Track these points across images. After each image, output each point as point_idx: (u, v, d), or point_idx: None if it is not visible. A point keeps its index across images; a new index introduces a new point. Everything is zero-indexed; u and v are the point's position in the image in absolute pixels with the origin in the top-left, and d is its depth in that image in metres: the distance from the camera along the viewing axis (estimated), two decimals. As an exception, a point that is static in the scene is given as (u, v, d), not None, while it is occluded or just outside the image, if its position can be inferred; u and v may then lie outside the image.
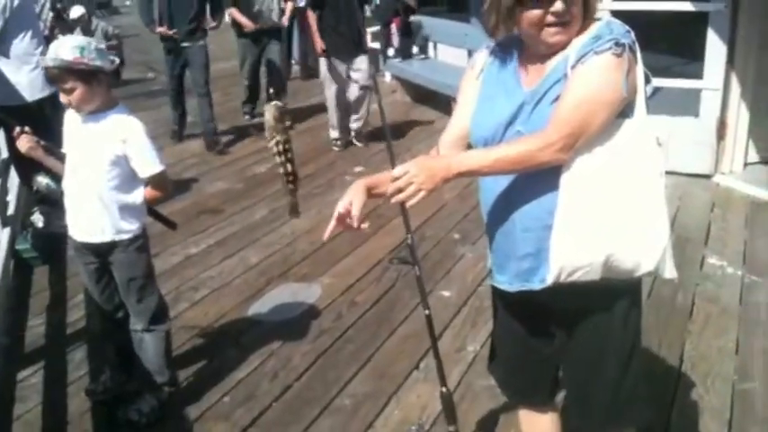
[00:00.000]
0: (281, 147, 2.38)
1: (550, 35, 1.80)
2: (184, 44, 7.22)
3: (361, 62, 7.01)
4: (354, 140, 7.39)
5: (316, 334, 3.77)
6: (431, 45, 9.97)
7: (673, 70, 6.38)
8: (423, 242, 4.77)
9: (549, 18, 1.77)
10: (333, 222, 1.92)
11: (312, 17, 7.14)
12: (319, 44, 7.08)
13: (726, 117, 5.72)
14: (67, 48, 2.71)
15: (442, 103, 8.04)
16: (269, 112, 2.31)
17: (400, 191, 1.75)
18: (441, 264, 4.50)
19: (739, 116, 5.73)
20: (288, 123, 2.41)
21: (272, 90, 2.64)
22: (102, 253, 2.95)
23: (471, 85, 2.04)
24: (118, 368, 3.26)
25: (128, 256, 2.95)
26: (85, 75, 2.71)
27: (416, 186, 1.74)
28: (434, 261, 4.54)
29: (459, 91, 2.10)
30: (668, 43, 6.78)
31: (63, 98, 2.78)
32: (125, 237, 2.92)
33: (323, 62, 7.17)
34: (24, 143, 2.97)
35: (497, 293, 2.14)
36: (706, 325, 3.70)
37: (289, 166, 2.41)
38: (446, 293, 4.12)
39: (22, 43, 4.74)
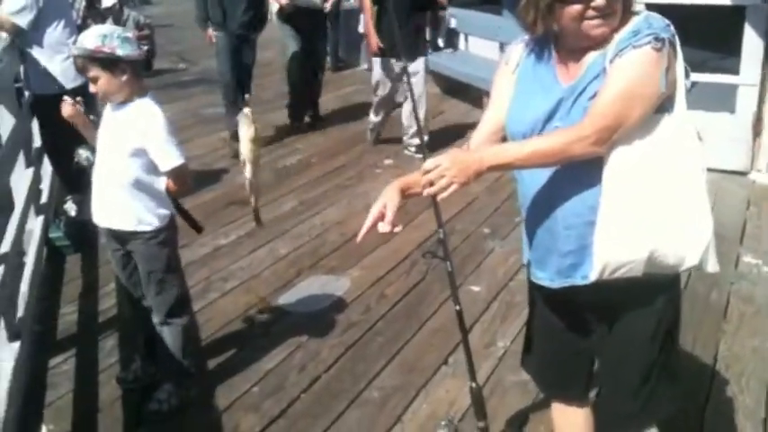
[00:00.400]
0: (245, 156, 2.58)
1: (593, 28, 1.77)
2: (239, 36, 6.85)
3: (419, 65, 6.38)
4: (414, 154, 6.46)
5: (344, 326, 3.77)
6: (462, 37, 9.92)
7: (709, 65, 6.27)
8: (452, 236, 4.74)
9: (590, 12, 1.75)
10: (367, 224, 1.91)
11: (369, 10, 6.51)
12: (375, 41, 6.43)
13: (762, 113, 5.62)
14: (91, 37, 2.74)
15: (473, 95, 7.99)
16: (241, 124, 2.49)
17: (432, 184, 1.75)
18: (470, 258, 4.47)
19: (776, 112, 5.63)
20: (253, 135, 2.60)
21: (247, 96, 2.88)
22: (124, 241, 2.97)
23: (506, 80, 2.03)
24: (147, 357, 3.27)
25: (148, 249, 2.94)
26: (107, 63, 2.73)
27: (448, 179, 1.74)
28: (464, 255, 4.52)
29: (492, 85, 2.09)
30: (704, 38, 6.64)
31: (91, 87, 2.80)
32: (147, 228, 2.91)
33: (377, 62, 6.57)
34: (68, 108, 2.99)
35: (535, 289, 2.13)
36: (741, 324, 3.65)
37: (248, 174, 2.61)
38: (476, 288, 4.09)
39: (55, 32, 4.79)
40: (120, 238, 2.97)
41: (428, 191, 1.77)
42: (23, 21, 4.63)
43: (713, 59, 6.53)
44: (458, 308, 2.23)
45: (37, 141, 5.21)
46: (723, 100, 5.74)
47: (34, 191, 4.69)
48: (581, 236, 1.87)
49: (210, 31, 6.98)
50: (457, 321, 2.26)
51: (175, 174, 2.86)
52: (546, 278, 2.02)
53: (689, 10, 5.80)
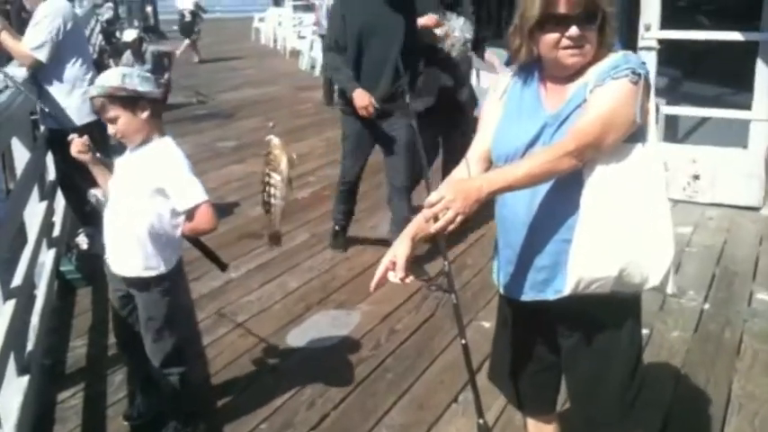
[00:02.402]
0: (266, 179, 2.57)
1: (567, 56, 1.93)
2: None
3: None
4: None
5: (354, 362, 3.75)
6: (473, 73, 9.96)
7: (721, 100, 6.29)
8: (464, 270, 4.74)
9: (565, 41, 1.91)
10: (378, 275, 2.00)
11: None
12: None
13: (775, 148, 5.60)
14: (112, 76, 2.74)
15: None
16: (274, 145, 2.58)
17: (437, 218, 1.80)
18: (481, 293, 4.45)
19: (789, 148, 5.61)
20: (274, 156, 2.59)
21: (271, 124, 2.85)
22: (129, 284, 2.92)
23: (494, 106, 2.16)
24: (147, 393, 3.23)
25: (150, 296, 2.88)
26: (127, 101, 2.70)
27: (454, 212, 1.80)
28: (475, 290, 4.50)
29: (482, 111, 2.24)
30: (716, 73, 6.68)
31: (110, 129, 2.77)
32: (152, 274, 2.84)
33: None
34: (77, 146, 2.95)
35: (505, 302, 2.24)
36: (754, 362, 3.60)
37: (266, 197, 2.58)
38: (486, 324, 4.06)
39: (73, 68, 4.84)
40: (127, 282, 2.92)
41: (435, 227, 1.82)
42: (44, 55, 4.69)
43: (726, 95, 6.55)
44: (463, 342, 2.25)
45: (51, 175, 5.25)
46: (735, 135, 5.73)
47: (47, 224, 4.72)
48: (556, 252, 1.99)
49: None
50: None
51: (197, 212, 2.76)
52: (518, 292, 2.11)
53: (702, 45, 5.83)
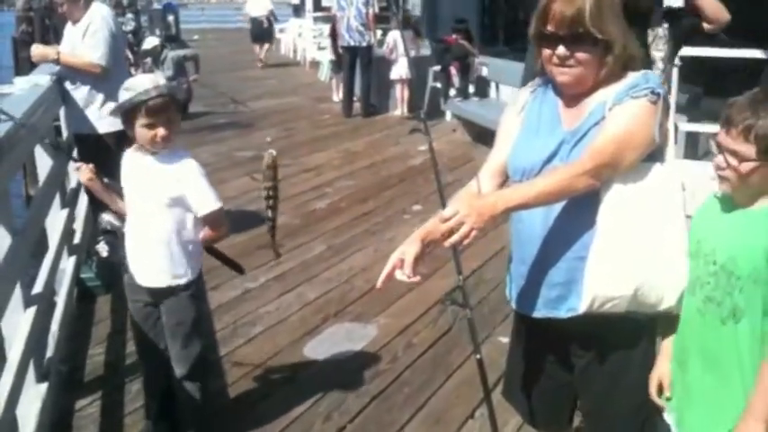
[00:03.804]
0: (268, 192, 2.56)
1: (557, 74, 1.98)
2: None
3: None
4: None
5: (371, 375, 3.74)
6: (493, 85, 9.99)
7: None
8: (481, 285, 4.72)
9: (555, 59, 1.95)
10: (385, 271, 1.97)
11: None
12: None
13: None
14: (160, 80, 2.75)
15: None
16: (264, 159, 2.55)
17: (452, 232, 1.79)
18: (499, 308, 4.42)
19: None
20: (272, 173, 2.59)
21: (269, 139, 2.87)
22: (155, 295, 2.93)
23: (512, 120, 2.17)
24: (159, 417, 3.18)
25: (179, 301, 2.91)
26: (179, 106, 2.73)
27: (469, 226, 1.79)
28: (493, 305, 4.47)
29: (500, 124, 2.23)
30: (738, 90, 6.60)
31: (161, 131, 2.70)
32: (181, 282, 2.88)
33: None
34: (84, 174, 2.99)
35: (520, 319, 2.23)
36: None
37: (270, 212, 2.56)
38: (504, 340, 4.01)
39: (116, 76, 4.87)
40: (152, 292, 2.92)
41: (450, 241, 1.81)
42: (108, 61, 4.80)
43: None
44: (478, 356, 2.26)
45: (72, 182, 5.28)
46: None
47: (68, 231, 4.75)
48: (571, 269, 1.98)
49: None
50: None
51: (213, 218, 2.84)
52: (531, 308, 2.10)
53: (724, 62, 5.79)
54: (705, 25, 3.95)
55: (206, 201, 2.81)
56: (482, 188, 2.12)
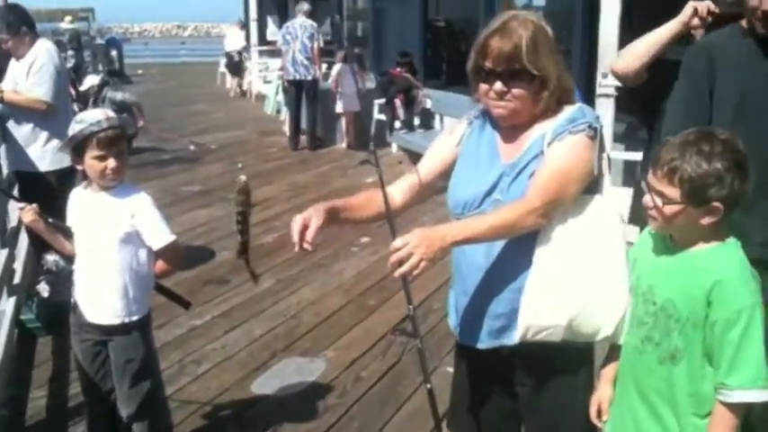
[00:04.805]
0: (238, 218, 2.58)
1: (493, 107, 2.03)
2: None
3: None
4: None
5: (320, 410, 3.72)
6: (437, 117, 10.12)
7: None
8: (430, 315, 4.74)
9: (491, 93, 1.99)
10: (296, 234, 2.01)
11: None
12: None
13: None
14: (110, 113, 2.75)
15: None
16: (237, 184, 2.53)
17: (401, 263, 1.80)
18: (447, 338, 4.42)
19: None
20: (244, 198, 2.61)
21: (240, 165, 2.87)
22: (106, 332, 2.87)
23: (446, 148, 2.22)
24: None
25: (131, 338, 2.86)
26: (128, 139, 2.71)
27: (418, 257, 1.81)
28: (441, 335, 4.48)
29: (430, 147, 2.29)
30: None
31: (112, 163, 2.69)
32: (134, 318, 2.84)
33: None
34: (27, 215, 2.94)
35: (463, 350, 2.27)
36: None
37: (240, 237, 2.59)
38: (452, 370, 4.05)
39: (64, 113, 4.82)
40: (104, 330, 2.86)
41: (399, 271, 1.82)
42: (53, 97, 4.73)
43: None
44: (428, 386, 2.25)
45: (12, 221, 5.18)
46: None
47: (8, 271, 4.64)
48: (513, 300, 2.01)
49: None
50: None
51: (168, 251, 2.84)
52: (475, 339, 2.13)
53: (658, 92, 5.96)
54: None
55: (160, 234, 2.81)
56: (395, 199, 2.21)
